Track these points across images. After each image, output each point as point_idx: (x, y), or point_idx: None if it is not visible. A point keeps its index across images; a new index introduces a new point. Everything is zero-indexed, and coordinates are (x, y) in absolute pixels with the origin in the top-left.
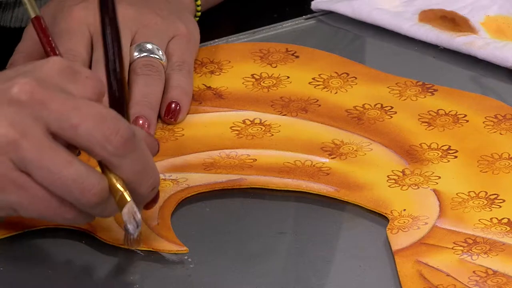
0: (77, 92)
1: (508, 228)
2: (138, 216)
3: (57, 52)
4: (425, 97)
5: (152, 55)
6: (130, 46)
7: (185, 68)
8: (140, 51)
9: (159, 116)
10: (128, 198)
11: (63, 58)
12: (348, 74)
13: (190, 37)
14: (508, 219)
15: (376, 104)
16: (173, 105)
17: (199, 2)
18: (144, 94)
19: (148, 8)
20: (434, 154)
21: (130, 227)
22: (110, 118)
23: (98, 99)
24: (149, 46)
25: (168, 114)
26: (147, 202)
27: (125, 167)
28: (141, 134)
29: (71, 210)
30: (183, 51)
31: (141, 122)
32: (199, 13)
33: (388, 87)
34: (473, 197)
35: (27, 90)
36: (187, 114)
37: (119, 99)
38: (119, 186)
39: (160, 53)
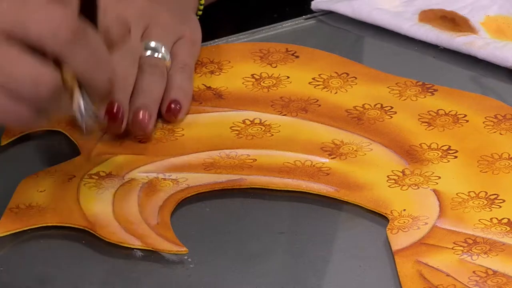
0: None
1: (508, 228)
2: (82, 106)
3: None
4: (425, 97)
5: (158, 54)
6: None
7: (187, 71)
8: (149, 49)
9: (160, 116)
10: (76, 88)
11: None
12: (348, 74)
13: (195, 41)
14: (508, 219)
15: (376, 104)
16: (172, 105)
17: (202, 1)
18: (146, 90)
19: (160, 5)
20: (434, 154)
21: (77, 114)
22: (60, 14)
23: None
24: (157, 45)
25: (169, 113)
26: (102, 96)
27: (75, 58)
28: (98, 32)
29: (27, 109)
30: (186, 54)
31: (141, 112)
32: (200, 12)
33: (388, 87)
34: (473, 197)
35: None
36: (187, 114)
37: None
38: (68, 76)
39: (166, 54)
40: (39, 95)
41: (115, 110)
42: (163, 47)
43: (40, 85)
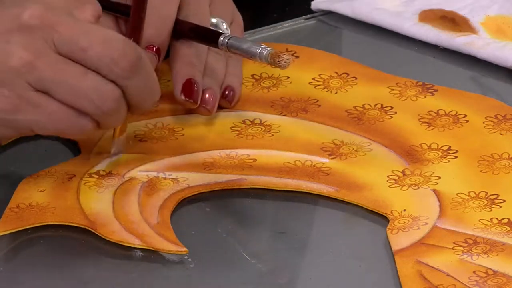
0: (80, 17)
1: (508, 228)
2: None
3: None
4: (425, 97)
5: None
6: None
7: (239, 56)
8: (210, 25)
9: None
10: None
11: None
12: (348, 74)
13: (242, 28)
14: (508, 219)
15: (376, 104)
16: (227, 91)
17: None
18: (212, 68)
19: None
20: (434, 154)
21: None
22: (117, 42)
23: (96, 22)
24: (219, 21)
25: (223, 98)
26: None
27: (131, 88)
28: (146, 54)
29: (87, 122)
30: None
31: (208, 93)
32: None
33: (388, 87)
34: (473, 197)
35: (37, 15)
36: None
37: (139, 23)
38: None
39: (227, 31)
40: (104, 109)
41: (192, 88)
42: (224, 23)
43: (105, 101)
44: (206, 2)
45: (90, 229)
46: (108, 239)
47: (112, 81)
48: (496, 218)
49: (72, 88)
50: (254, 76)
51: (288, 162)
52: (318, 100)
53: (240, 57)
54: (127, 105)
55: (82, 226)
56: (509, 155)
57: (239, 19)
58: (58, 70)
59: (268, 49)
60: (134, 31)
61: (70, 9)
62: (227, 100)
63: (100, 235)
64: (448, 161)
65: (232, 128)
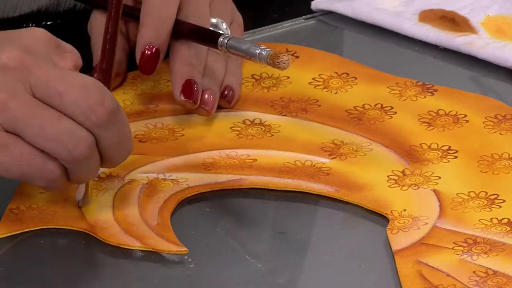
0: (59, 64)
1: (508, 228)
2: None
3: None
4: (425, 97)
5: (219, 31)
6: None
7: (239, 58)
8: (210, 25)
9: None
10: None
11: (46, 30)
12: (348, 74)
13: (242, 28)
14: (508, 219)
15: (376, 104)
16: (226, 91)
17: None
18: (212, 69)
19: None
20: (434, 154)
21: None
22: (95, 89)
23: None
24: (218, 21)
25: (223, 98)
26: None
27: (105, 138)
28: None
29: (55, 168)
30: None
31: (207, 93)
32: None
33: (388, 87)
34: (473, 197)
35: (15, 57)
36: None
37: (107, 69)
38: None
39: (227, 30)
40: (75, 154)
41: (191, 88)
42: (224, 23)
43: (78, 145)
44: (206, 2)
45: (90, 233)
46: (108, 242)
47: (87, 129)
48: (496, 218)
49: (45, 130)
50: (254, 76)
51: (288, 162)
52: (318, 100)
53: (240, 57)
54: (99, 157)
55: (82, 230)
56: (509, 155)
57: (239, 19)
58: (32, 112)
59: (268, 50)
60: (104, 71)
61: (50, 55)
62: (227, 100)
63: (100, 239)
64: (448, 161)
65: (232, 128)
